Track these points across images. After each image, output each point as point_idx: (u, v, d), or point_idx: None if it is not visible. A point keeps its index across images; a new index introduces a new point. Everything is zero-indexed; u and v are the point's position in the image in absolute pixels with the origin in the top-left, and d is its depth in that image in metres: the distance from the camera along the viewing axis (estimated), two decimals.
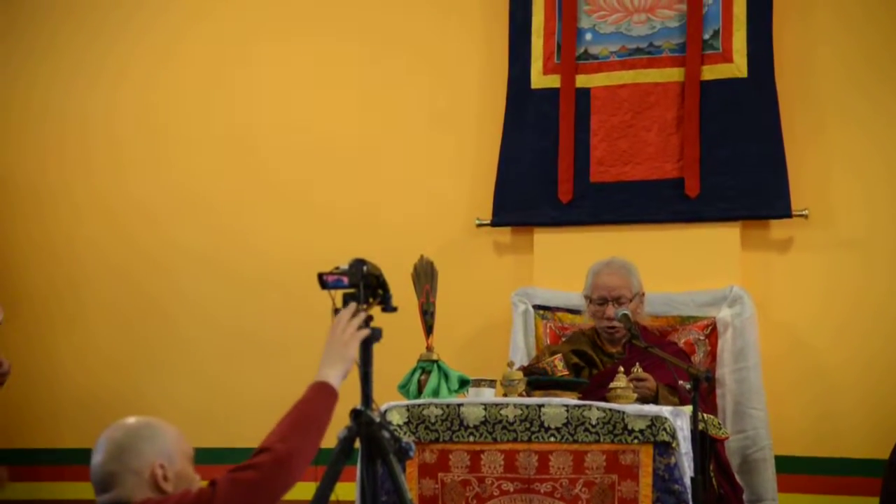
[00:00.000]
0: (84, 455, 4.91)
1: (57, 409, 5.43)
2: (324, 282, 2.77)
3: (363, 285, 2.76)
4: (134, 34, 5.61)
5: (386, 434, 2.73)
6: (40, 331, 5.46)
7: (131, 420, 2.49)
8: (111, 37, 5.63)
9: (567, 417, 3.87)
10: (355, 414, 2.73)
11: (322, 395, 2.57)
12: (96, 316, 5.48)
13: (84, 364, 5.44)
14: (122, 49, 5.62)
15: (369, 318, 2.77)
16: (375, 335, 2.76)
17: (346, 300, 2.78)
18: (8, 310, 4.88)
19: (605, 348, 4.59)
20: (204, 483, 2.48)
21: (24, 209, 5.53)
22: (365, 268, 2.76)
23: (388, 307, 2.81)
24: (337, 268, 2.78)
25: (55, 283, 5.51)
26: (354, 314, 2.70)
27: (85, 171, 5.56)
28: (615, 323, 4.47)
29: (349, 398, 2.74)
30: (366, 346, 2.75)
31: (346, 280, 2.76)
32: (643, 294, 4.61)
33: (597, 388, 4.24)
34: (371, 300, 2.79)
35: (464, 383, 4.12)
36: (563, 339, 4.79)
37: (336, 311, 2.76)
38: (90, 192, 5.55)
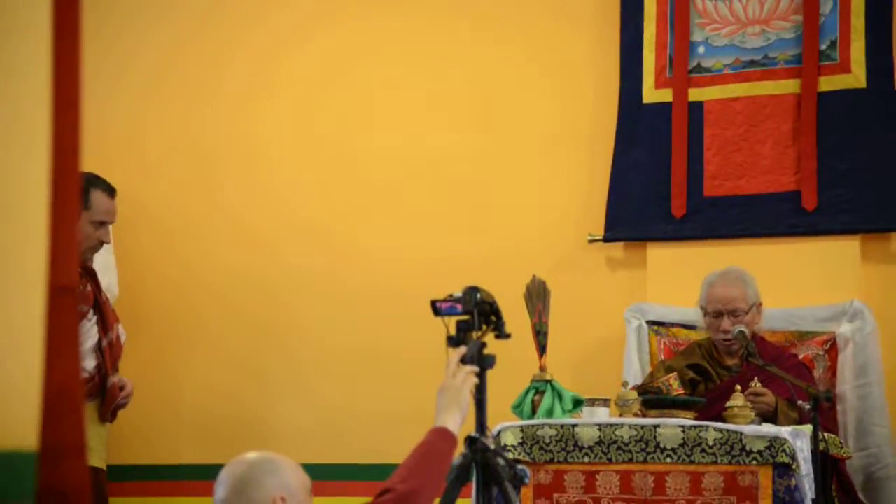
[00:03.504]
0: (202, 471, 5.03)
1: (177, 427, 5.53)
2: (437, 309, 2.79)
3: (477, 312, 2.77)
4: (230, 51, 5.66)
5: (501, 461, 2.73)
6: (161, 352, 5.56)
7: (252, 454, 2.53)
8: (202, 53, 5.69)
9: (683, 438, 3.83)
10: (470, 441, 2.74)
11: (441, 439, 2.60)
12: (211, 337, 5.55)
13: (201, 384, 5.52)
14: (216, 69, 5.65)
15: (482, 346, 2.78)
16: (489, 362, 2.77)
17: (460, 327, 2.79)
18: (130, 331, 5.00)
19: (722, 360, 4.53)
20: None
21: (145, 234, 5.63)
22: (479, 295, 2.77)
23: (501, 334, 2.81)
24: (450, 295, 2.79)
25: (174, 306, 5.59)
26: (463, 358, 2.72)
27: (210, 190, 5.62)
28: (731, 336, 4.41)
29: (464, 424, 2.75)
30: (480, 374, 2.76)
31: (459, 307, 2.77)
32: (760, 304, 4.53)
33: (713, 404, 4.18)
34: (484, 327, 2.79)
35: (577, 403, 4.11)
36: (678, 353, 4.73)
37: (450, 338, 2.78)
38: (210, 215, 5.60)
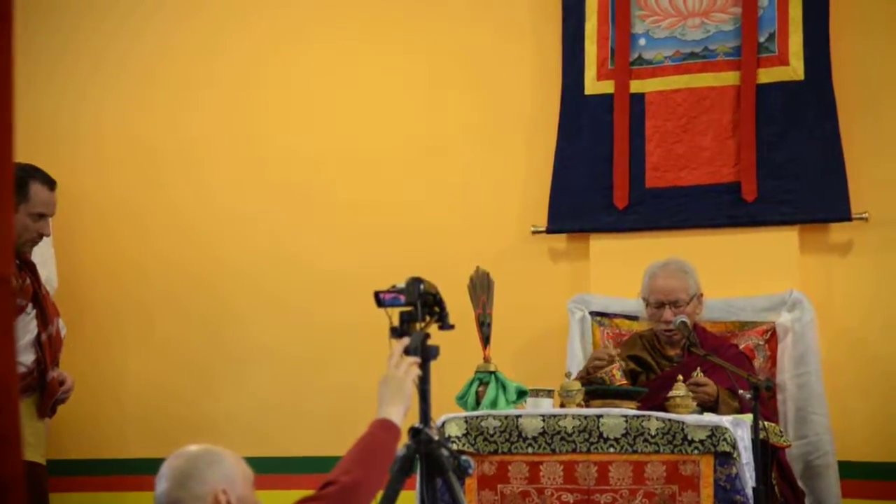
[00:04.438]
0: (146, 465, 4.99)
1: (121, 421, 5.49)
2: (380, 300, 2.79)
3: (420, 304, 2.77)
4: (173, 49, 5.63)
5: (445, 452, 2.74)
6: (103, 345, 5.51)
7: (192, 448, 2.50)
8: (147, 50, 5.66)
9: (626, 428, 3.85)
10: (414, 432, 2.74)
11: (384, 430, 2.59)
12: (155, 331, 5.51)
13: (144, 378, 5.48)
14: (156, 63, 5.62)
15: (426, 337, 2.78)
16: (433, 353, 2.78)
17: (403, 318, 2.79)
18: (71, 324, 4.94)
19: (664, 351, 4.57)
20: None
21: (87, 226, 5.58)
22: (422, 286, 2.77)
23: (445, 325, 2.82)
24: (393, 286, 2.79)
25: (117, 299, 5.55)
26: (406, 349, 2.72)
27: (154, 186, 5.57)
28: (673, 326, 4.45)
29: (407, 415, 2.75)
30: (423, 365, 2.76)
31: (402, 298, 2.78)
32: (701, 295, 4.58)
33: (655, 394, 4.21)
34: (428, 318, 2.80)
35: (521, 394, 4.12)
36: (620, 344, 4.76)
37: (393, 329, 2.78)
38: (153, 209, 5.55)
